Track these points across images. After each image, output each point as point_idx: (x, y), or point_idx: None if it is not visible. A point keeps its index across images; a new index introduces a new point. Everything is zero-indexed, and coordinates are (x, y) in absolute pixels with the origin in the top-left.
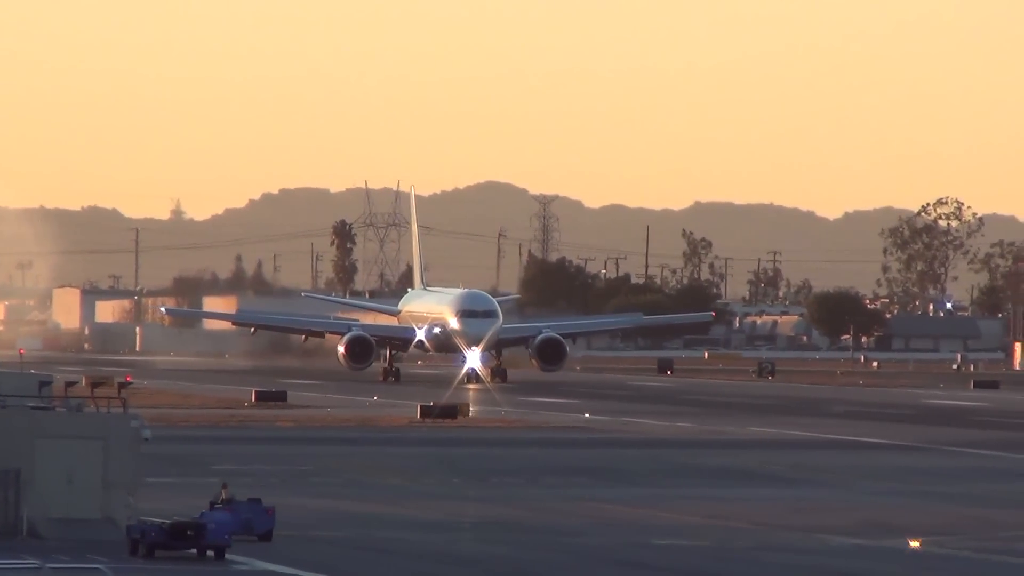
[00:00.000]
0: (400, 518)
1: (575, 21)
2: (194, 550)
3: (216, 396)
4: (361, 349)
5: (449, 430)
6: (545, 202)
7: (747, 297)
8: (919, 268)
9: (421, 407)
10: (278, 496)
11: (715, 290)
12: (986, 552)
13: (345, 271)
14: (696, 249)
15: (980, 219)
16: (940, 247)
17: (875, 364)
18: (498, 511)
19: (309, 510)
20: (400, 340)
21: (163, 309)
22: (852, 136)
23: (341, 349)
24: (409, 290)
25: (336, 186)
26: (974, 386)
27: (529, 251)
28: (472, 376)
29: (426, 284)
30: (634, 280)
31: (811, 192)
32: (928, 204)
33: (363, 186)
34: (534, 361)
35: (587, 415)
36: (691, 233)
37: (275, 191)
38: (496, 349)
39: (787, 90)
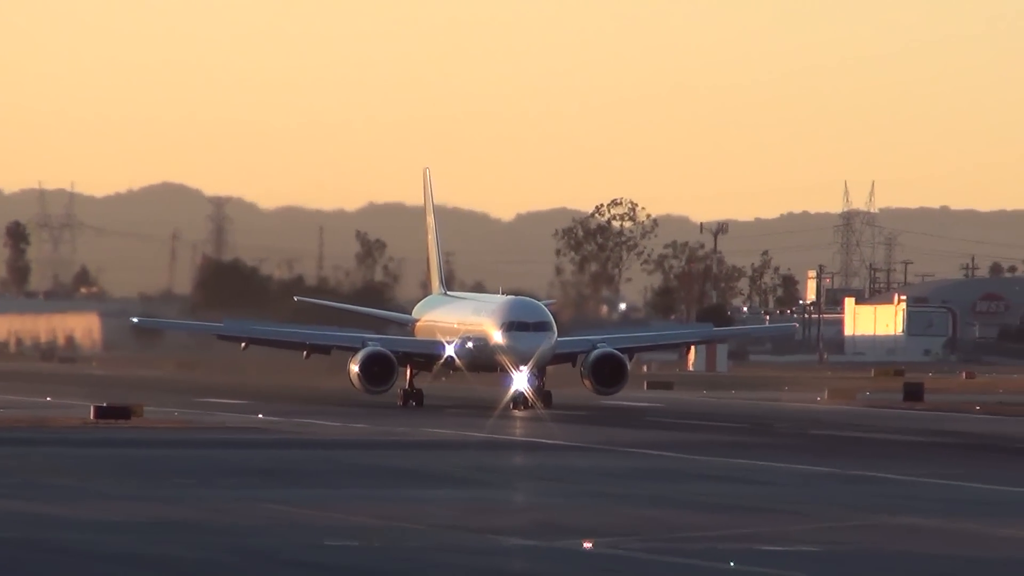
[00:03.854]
0: (76, 519)
1: (248, 27)
2: None
3: None
4: (380, 369)
5: (123, 431)
6: (219, 204)
7: (420, 298)
8: (593, 269)
9: (95, 407)
10: None
11: (389, 293)
12: (658, 553)
13: (19, 272)
14: (370, 250)
15: (654, 220)
16: (614, 248)
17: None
18: (172, 512)
19: None
20: (424, 357)
21: (134, 320)
22: (525, 136)
23: (355, 369)
24: (438, 294)
25: (9, 186)
26: (648, 387)
27: (203, 253)
28: (519, 400)
29: (445, 288)
30: (308, 282)
31: (484, 193)
32: (602, 205)
33: (36, 186)
34: (587, 382)
35: (261, 416)
36: (365, 234)
37: None
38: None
39: (456, 88)
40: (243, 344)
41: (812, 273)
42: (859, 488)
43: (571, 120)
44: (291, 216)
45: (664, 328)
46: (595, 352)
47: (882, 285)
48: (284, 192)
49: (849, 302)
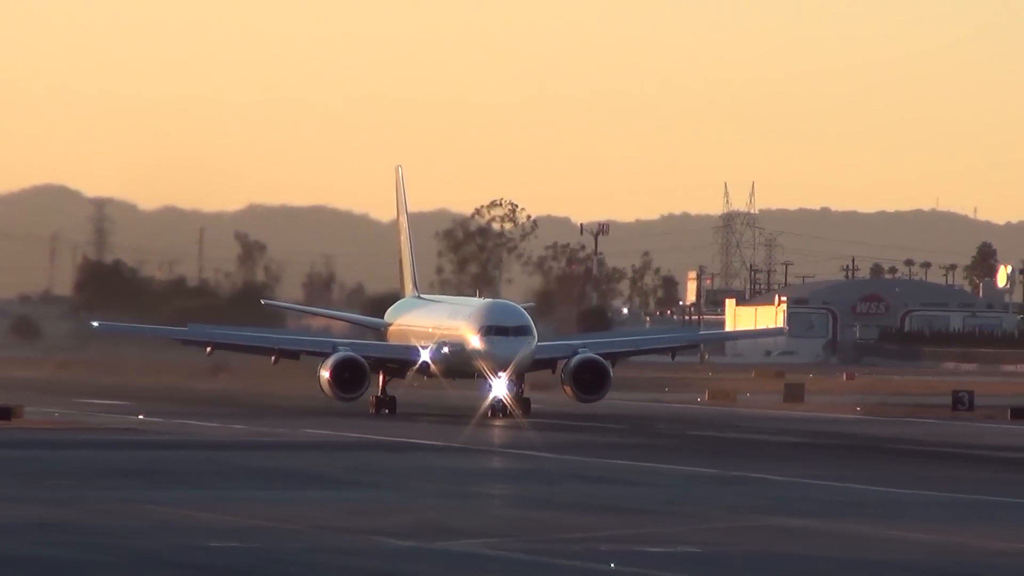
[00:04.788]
0: None
1: (124, 26)
2: None
3: None
4: (352, 374)
5: (3, 431)
6: (100, 204)
7: (302, 300)
8: (473, 271)
9: None
10: None
11: (269, 294)
12: (538, 554)
13: None
14: (250, 252)
15: (534, 221)
16: (494, 249)
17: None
18: (53, 513)
19: None
20: (398, 362)
21: (95, 324)
22: (405, 137)
23: (325, 374)
24: (411, 297)
25: None
26: (529, 388)
27: (83, 254)
28: (498, 408)
29: (419, 291)
30: (190, 283)
31: (365, 195)
32: (482, 206)
33: None
34: (567, 388)
35: (141, 416)
36: (245, 235)
37: None
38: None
39: (337, 90)
40: (208, 349)
41: (692, 274)
42: (740, 489)
43: (452, 121)
44: (171, 217)
45: (649, 332)
46: (576, 357)
47: (762, 286)
48: (164, 193)
49: (730, 303)
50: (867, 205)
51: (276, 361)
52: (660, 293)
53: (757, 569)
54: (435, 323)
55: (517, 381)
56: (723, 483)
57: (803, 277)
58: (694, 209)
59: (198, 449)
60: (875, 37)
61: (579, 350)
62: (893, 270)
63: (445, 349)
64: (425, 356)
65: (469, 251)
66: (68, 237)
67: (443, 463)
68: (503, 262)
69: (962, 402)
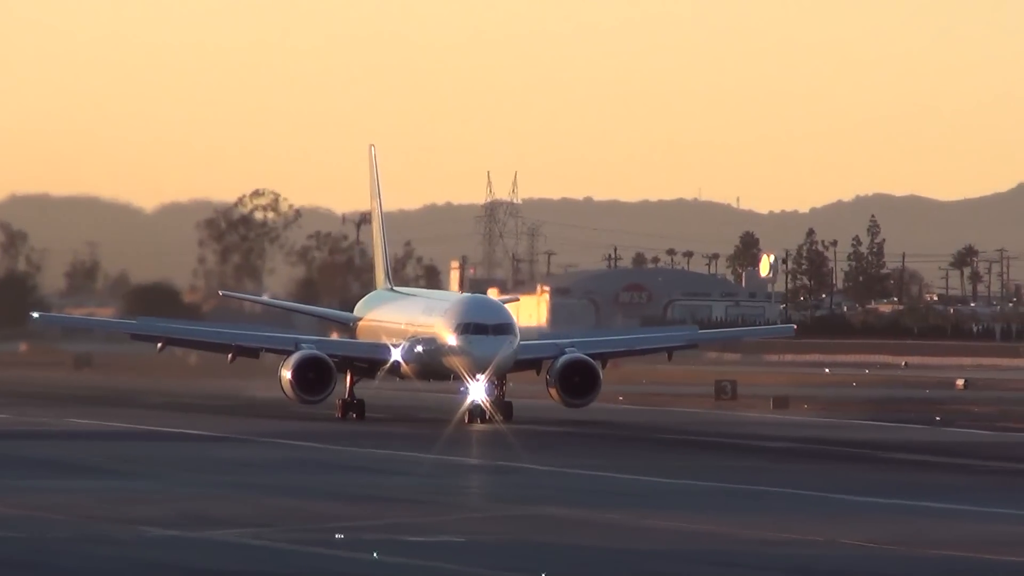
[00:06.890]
0: None
1: None
2: None
3: None
4: (316, 375)
5: None
6: None
7: (64, 290)
8: (235, 260)
9: None
10: None
11: (32, 282)
12: (301, 543)
13: None
14: (13, 241)
15: (297, 211)
16: (257, 239)
17: (195, 358)
18: None
19: None
20: (367, 362)
21: (35, 315)
22: (165, 126)
23: (287, 375)
24: (383, 289)
25: None
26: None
27: None
28: (476, 412)
29: (392, 283)
30: None
31: (128, 184)
32: (244, 195)
33: None
34: (553, 391)
35: None
36: (8, 224)
37: None
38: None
39: (99, 81)
40: (159, 345)
41: (455, 263)
42: (504, 479)
43: (213, 111)
44: None
45: (644, 330)
46: (563, 358)
47: (525, 276)
48: None
49: (492, 293)
50: (630, 194)
51: (233, 359)
52: (423, 283)
53: (519, 558)
54: (408, 319)
55: (498, 383)
56: (485, 472)
57: (566, 267)
58: (456, 198)
59: None
60: (635, 28)
61: (566, 349)
62: (656, 259)
63: (419, 348)
64: (397, 355)
65: (231, 241)
66: None
67: (208, 453)
68: (266, 252)
69: (725, 391)
